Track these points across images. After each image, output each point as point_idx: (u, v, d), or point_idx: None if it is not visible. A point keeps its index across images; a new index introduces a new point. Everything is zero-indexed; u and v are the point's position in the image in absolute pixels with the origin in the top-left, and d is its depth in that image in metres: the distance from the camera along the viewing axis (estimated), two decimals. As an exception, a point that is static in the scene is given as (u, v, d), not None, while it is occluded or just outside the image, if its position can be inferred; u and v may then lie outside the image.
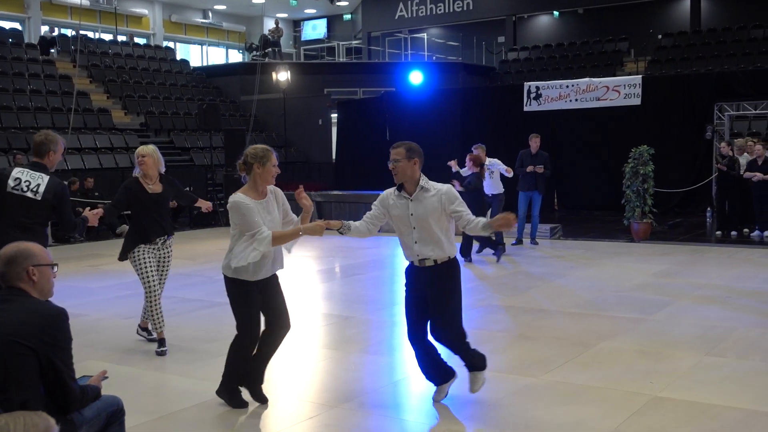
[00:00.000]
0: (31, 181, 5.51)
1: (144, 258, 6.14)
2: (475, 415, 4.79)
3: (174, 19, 31.52)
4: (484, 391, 5.16)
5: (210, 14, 32.48)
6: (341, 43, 31.62)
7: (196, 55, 32.54)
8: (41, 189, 5.49)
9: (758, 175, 12.34)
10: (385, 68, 26.08)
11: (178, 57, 27.78)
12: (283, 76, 22.31)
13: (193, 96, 23.47)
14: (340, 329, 7.20)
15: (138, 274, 6.21)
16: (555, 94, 16.74)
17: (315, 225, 4.69)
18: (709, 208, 15.16)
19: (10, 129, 17.33)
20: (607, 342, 6.39)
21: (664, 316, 7.32)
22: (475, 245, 11.68)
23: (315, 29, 34.93)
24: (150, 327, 6.57)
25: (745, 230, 12.91)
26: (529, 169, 11.99)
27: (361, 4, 31.65)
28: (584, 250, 11.82)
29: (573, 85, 16.62)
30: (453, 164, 10.98)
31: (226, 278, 4.80)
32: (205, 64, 30.52)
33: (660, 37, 24.87)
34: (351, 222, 4.91)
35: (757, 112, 15.83)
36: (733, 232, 12.86)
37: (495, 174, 11.58)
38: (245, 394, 4.97)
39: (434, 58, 29.08)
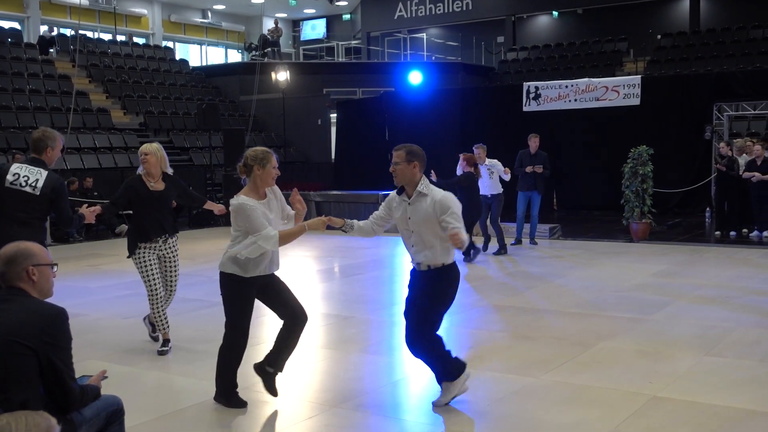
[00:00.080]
0: (29, 176, 5.52)
1: (145, 258, 6.13)
2: (474, 415, 4.79)
3: (173, 19, 31.52)
4: (483, 390, 5.17)
5: (209, 14, 32.48)
6: (340, 43, 31.63)
7: (195, 54, 32.53)
8: (40, 184, 5.50)
9: (757, 175, 12.35)
10: (385, 68, 26.08)
11: (178, 57, 27.76)
12: (282, 76, 22.31)
13: (192, 96, 23.47)
14: (340, 329, 7.20)
15: (140, 275, 6.21)
16: (554, 94, 16.74)
17: (318, 220, 4.75)
18: (708, 209, 15.16)
19: (9, 129, 17.32)
20: (607, 342, 6.39)
21: (664, 316, 7.32)
22: (479, 244, 11.70)
23: (314, 29, 34.93)
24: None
25: (744, 230, 12.92)
26: (529, 169, 11.99)
27: (360, 4, 31.64)
28: (583, 250, 11.83)
29: (572, 86, 16.63)
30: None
31: (222, 274, 4.80)
32: (204, 63, 30.51)
33: (659, 37, 24.88)
34: (355, 221, 4.92)
35: (756, 112, 15.84)
36: (732, 233, 12.87)
37: (495, 174, 11.58)
38: (244, 394, 4.97)
39: (433, 58, 29.08)
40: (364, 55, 30.91)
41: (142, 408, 4.90)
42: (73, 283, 9.70)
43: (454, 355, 4.82)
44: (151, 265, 6.13)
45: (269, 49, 26.93)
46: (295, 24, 35.18)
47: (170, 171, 6.31)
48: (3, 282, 3.20)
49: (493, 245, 11.72)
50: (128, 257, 6.27)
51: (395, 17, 30.63)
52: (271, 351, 4.99)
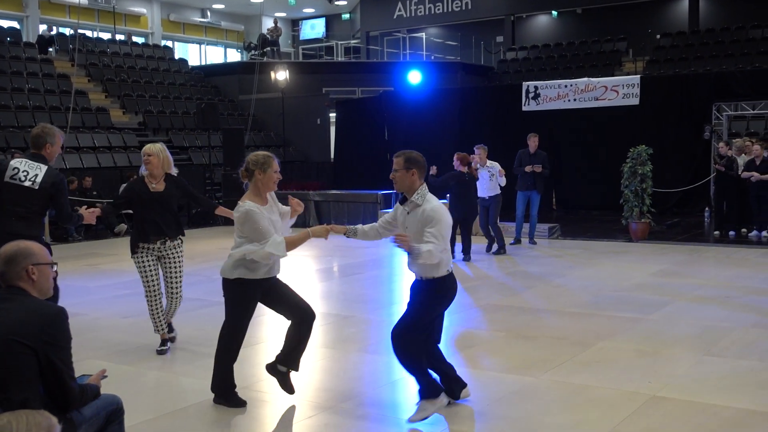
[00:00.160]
0: (29, 171, 5.51)
1: (143, 259, 6.11)
2: (473, 414, 4.80)
3: (172, 18, 31.51)
4: (483, 390, 5.18)
5: (208, 13, 32.48)
6: (340, 42, 31.63)
7: (194, 54, 32.51)
8: (39, 179, 5.49)
9: (756, 175, 12.36)
10: (384, 68, 26.08)
11: (177, 56, 27.74)
12: (281, 75, 22.30)
13: (191, 95, 23.45)
14: (339, 328, 7.20)
15: (139, 275, 6.20)
16: (553, 94, 16.75)
17: (321, 228, 4.80)
18: (707, 208, 15.17)
19: (8, 128, 17.31)
20: (606, 342, 6.40)
21: (663, 315, 7.33)
22: (484, 244, 11.72)
23: (313, 28, 34.93)
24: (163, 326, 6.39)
25: (743, 230, 12.92)
26: (528, 168, 11.98)
27: (359, 3, 31.63)
28: (582, 250, 11.83)
29: (571, 85, 16.63)
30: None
31: (226, 281, 4.79)
32: (203, 63, 30.49)
33: (658, 37, 24.88)
34: (359, 226, 4.92)
35: (755, 112, 15.85)
36: (731, 232, 12.88)
37: (495, 177, 11.55)
38: (243, 393, 4.97)
39: (433, 57, 29.07)
40: (363, 54, 30.90)
41: (141, 407, 4.90)
42: (72, 282, 9.69)
43: (434, 376, 4.72)
44: (148, 265, 6.10)
45: (268, 48, 26.92)
46: (295, 23, 35.18)
47: (174, 172, 6.21)
48: (3, 281, 3.20)
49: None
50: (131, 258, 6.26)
51: (394, 17, 30.63)
52: (282, 351, 4.99)
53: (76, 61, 21.06)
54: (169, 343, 6.31)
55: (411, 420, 4.61)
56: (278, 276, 4.95)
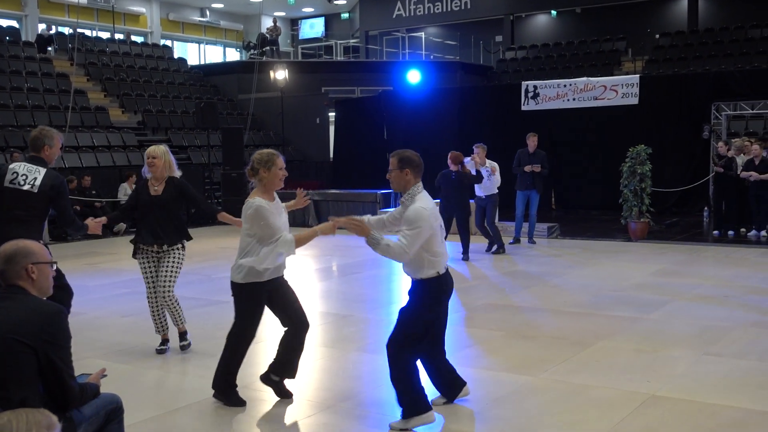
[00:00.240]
0: (28, 174, 5.51)
1: (142, 261, 6.09)
2: (472, 414, 4.80)
3: (171, 18, 31.50)
4: (482, 390, 5.18)
5: (207, 13, 32.47)
6: (339, 41, 31.62)
7: (193, 53, 32.51)
8: (38, 182, 5.49)
9: (754, 175, 12.37)
10: (383, 67, 26.07)
11: (176, 55, 27.74)
12: (280, 74, 22.29)
13: (190, 94, 23.45)
14: (338, 328, 7.21)
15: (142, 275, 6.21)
16: (552, 94, 16.75)
17: (328, 225, 4.70)
18: (706, 208, 15.18)
19: (7, 127, 17.30)
20: (605, 341, 6.40)
21: (662, 315, 7.33)
22: (484, 244, 11.71)
23: (313, 28, 34.93)
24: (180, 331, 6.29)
25: (742, 230, 12.93)
26: (527, 168, 11.98)
27: (358, 2, 31.63)
28: (582, 250, 11.84)
29: (570, 85, 16.64)
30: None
31: (237, 285, 4.77)
32: (202, 62, 30.49)
33: (657, 36, 24.89)
34: (366, 216, 4.90)
35: (755, 111, 15.86)
36: (730, 232, 12.89)
37: (493, 176, 11.54)
38: (243, 392, 4.98)
39: (432, 57, 29.06)
40: (362, 54, 30.90)
41: (141, 406, 4.90)
42: (71, 281, 9.60)
43: (424, 391, 4.57)
44: (147, 267, 6.08)
45: (268, 47, 26.93)
46: (294, 23, 35.17)
47: (178, 174, 6.13)
48: (2, 280, 3.20)
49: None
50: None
51: (394, 16, 30.62)
52: (276, 360, 5.00)
53: (75, 60, 21.05)
54: (168, 343, 6.30)
55: (393, 426, 4.52)
56: (286, 278, 4.98)
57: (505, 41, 28.77)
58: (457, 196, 10.76)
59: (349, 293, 9.02)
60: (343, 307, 8.10)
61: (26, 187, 5.47)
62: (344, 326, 7.25)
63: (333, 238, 13.14)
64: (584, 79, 16.88)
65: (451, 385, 4.92)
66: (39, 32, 24.52)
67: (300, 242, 4.71)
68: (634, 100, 15.89)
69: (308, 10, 33.67)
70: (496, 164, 11.56)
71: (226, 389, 4.93)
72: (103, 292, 9.06)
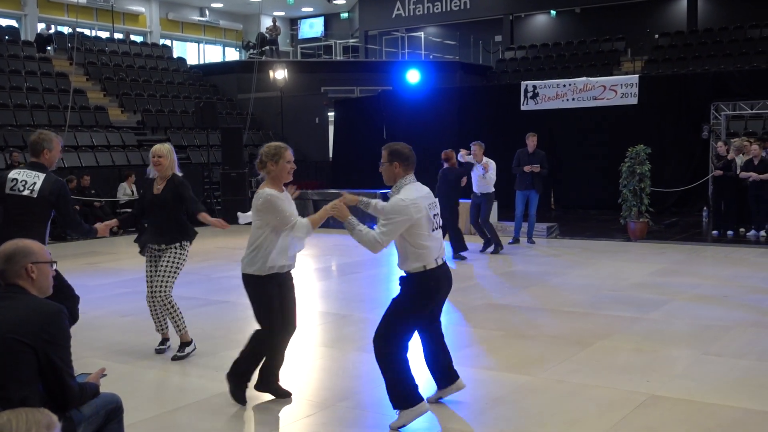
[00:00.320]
0: (27, 180, 5.51)
1: (147, 259, 6.11)
2: (471, 413, 4.80)
3: (171, 17, 31.49)
4: (481, 389, 5.18)
5: (207, 12, 32.46)
6: (338, 41, 31.62)
7: (192, 53, 32.50)
8: (37, 187, 5.49)
9: (754, 175, 12.37)
10: (382, 67, 26.08)
11: (175, 55, 27.72)
12: (280, 74, 22.30)
13: (189, 94, 23.44)
14: (337, 327, 7.21)
15: None
16: (552, 94, 16.76)
17: (338, 202, 4.60)
18: (705, 208, 15.19)
19: (6, 126, 17.29)
20: (604, 341, 6.40)
21: (661, 315, 7.34)
22: (479, 244, 11.71)
23: (312, 27, 34.93)
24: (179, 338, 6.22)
25: (741, 230, 12.94)
26: (527, 168, 11.99)
27: (358, 2, 31.63)
28: (581, 249, 11.84)
29: (570, 85, 16.64)
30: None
31: (250, 276, 4.74)
32: (202, 62, 30.48)
33: (657, 36, 24.90)
34: (374, 200, 4.90)
35: (754, 111, 15.87)
36: (730, 232, 12.89)
37: (489, 173, 11.54)
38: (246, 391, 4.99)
39: (431, 56, 29.07)
40: (361, 53, 30.90)
41: (140, 406, 4.91)
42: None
43: (414, 382, 4.50)
44: (148, 265, 6.10)
45: (267, 47, 26.92)
46: (293, 22, 35.16)
47: (180, 172, 6.11)
48: (2, 280, 3.20)
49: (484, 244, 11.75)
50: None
51: (393, 16, 30.62)
52: (259, 376, 4.98)
53: (74, 59, 21.04)
54: (168, 343, 6.30)
55: (392, 426, 4.52)
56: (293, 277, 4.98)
57: (504, 41, 28.78)
58: (444, 195, 10.64)
59: (349, 293, 9.02)
60: (343, 307, 8.11)
61: (26, 193, 5.47)
62: (344, 326, 7.25)
63: (333, 238, 13.16)
64: (583, 79, 16.89)
65: (443, 375, 4.89)
66: (38, 32, 24.50)
67: (315, 223, 4.71)
68: (634, 100, 15.90)
69: (308, 9, 33.67)
70: (491, 161, 11.55)
71: (240, 382, 4.90)
72: (103, 291, 9.06)
